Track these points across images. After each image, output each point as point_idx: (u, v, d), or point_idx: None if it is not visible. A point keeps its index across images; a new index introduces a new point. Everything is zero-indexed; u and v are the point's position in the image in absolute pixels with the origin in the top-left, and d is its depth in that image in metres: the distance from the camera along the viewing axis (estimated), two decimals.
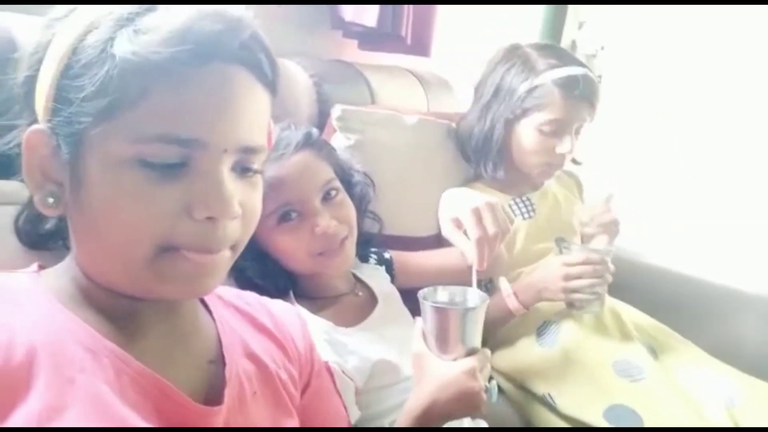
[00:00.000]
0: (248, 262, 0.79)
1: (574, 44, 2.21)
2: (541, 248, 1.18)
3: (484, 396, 0.69)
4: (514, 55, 1.14)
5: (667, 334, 1.14)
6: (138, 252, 0.41)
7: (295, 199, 0.79)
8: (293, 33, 1.29)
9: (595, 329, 1.10)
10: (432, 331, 0.71)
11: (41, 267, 0.47)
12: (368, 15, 1.21)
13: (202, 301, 0.54)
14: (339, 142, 1.02)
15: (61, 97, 0.41)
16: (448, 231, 0.84)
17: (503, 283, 1.06)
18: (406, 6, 1.25)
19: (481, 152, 1.16)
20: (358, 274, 0.93)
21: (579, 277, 0.98)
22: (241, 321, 0.55)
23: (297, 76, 1.13)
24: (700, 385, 1.01)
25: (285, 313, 0.61)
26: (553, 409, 0.99)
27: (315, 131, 0.87)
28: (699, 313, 1.32)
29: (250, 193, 0.46)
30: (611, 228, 1.13)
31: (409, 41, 1.32)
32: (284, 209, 0.78)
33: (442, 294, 0.75)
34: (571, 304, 1.01)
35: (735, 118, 2.14)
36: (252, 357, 0.53)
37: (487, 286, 1.17)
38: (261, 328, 0.57)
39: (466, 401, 0.67)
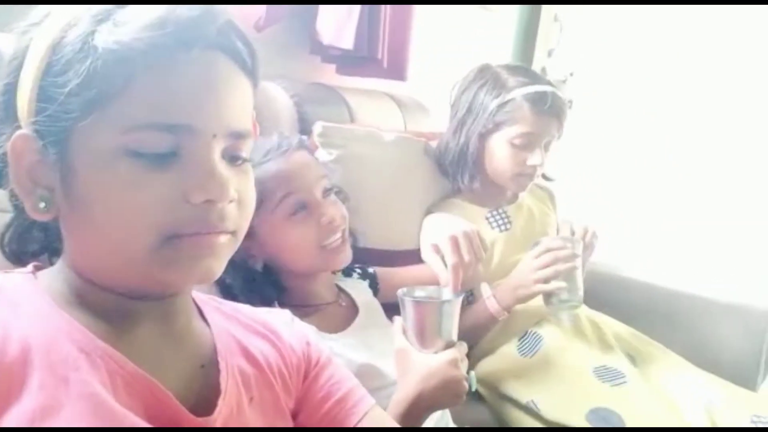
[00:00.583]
0: (233, 279, 0.80)
1: (544, 70, 2.29)
2: (517, 260, 1.20)
3: (466, 385, 0.73)
4: (486, 73, 1.20)
5: (646, 342, 1.17)
6: (142, 242, 0.41)
7: (301, 190, 0.82)
8: (274, 57, 1.32)
9: (575, 337, 1.12)
10: (412, 326, 0.75)
11: (36, 268, 0.47)
12: (345, 38, 1.25)
13: (198, 308, 0.54)
14: (320, 156, 1.05)
15: (44, 96, 0.41)
16: (426, 255, 0.88)
17: (483, 287, 1.08)
18: (381, 29, 1.30)
19: (457, 165, 1.20)
20: (342, 285, 0.95)
21: (547, 265, 1.01)
22: (236, 326, 0.55)
23: (278, 97, 1.16)
24: (680, 390, 1.04)
25: (277, 316, 0.62)
26: (536, 415, 1.00)
27: (306, 138, 0.92)
28: (673, 322, 1.35)
29: (243, 180, 0.46)
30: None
31: (385, 64, 1.37)
32: (293, 198, 0.81)
33: (420, 292, 0.79)
34: (548, 300, 1.03)
35: (702, 132, 2.23)
36: (250, 358, 0.53)
37: (468, 296, 1.19)
38: (256, 332, 0.56)
39: (450, 389, 0.71)
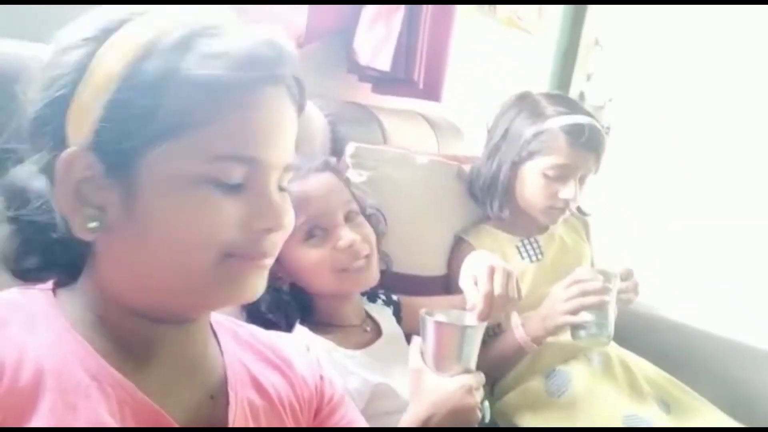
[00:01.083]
0: (260, 297, 0.80)
1: (582, 95, 2.26)
2: (548, 292, 1.18)
3: (479, 414, 0.72)
4: (524, 101, 1.18)
5: (680, 389, 1.12)
6: (203, 258, 0.43)
7: (320, 214, 0.82)
8: (310, 75, 1.32)
9: (605, 379, 1.08)
10: (431, 347, 0.73)
11: (56, 285, 0.47)
12: (382, 59, 1.25)
13: (213, 331, 0.54)
14: (352, 177, 1.04)
15: (112, 116, 0.41)
16: (464, 284, 0.86)
17: (513, 317, 1.05)
18: (419, 50, 1.30)
19: (487, 192, 1.18)
20: (369, 311, 0.94)
21: (575, 296, 0.96)
22: (250, 354, 0.55)
23: (313, 115, 1.16)
24: None
25: (292, 344, 0.61)
26: None
27: (333, 159, 0.91)
28: (708, 367, 1.29)
29: (288, 208, 0.49)
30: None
31: (421, 86, 1.36)
32: (309, 225, 0.81)
33: (441, 315, 0.77)
34: (575, 333, 0.98)
35: (745, 166, 2.15)
36: (261, 391, 0.53)
37: (495, 327, 1.17)
38: (269, 362, 0.56)
39: (461, 417, 0.69)
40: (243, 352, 0.54)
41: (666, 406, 1.04)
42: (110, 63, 0.41)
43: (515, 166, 1.15)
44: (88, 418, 0.39)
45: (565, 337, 1.03)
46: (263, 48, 0.44)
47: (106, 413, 0.39)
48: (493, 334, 1.16)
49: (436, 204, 1.17)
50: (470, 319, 0.78)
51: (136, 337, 0.45)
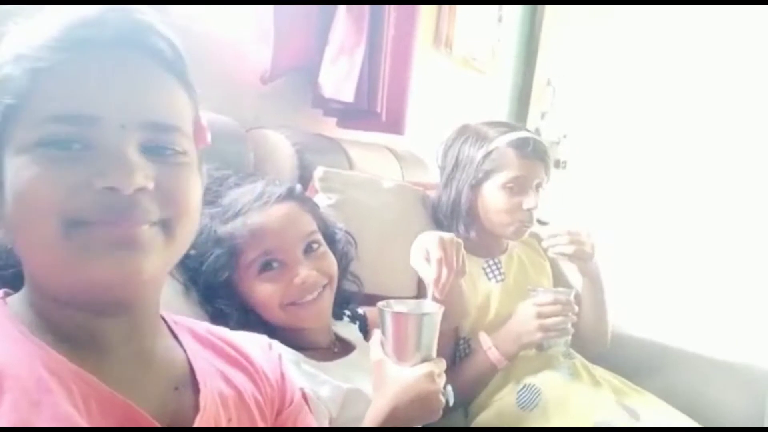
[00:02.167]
0: (231, 311, 0.80)
1: (537, 131, 2.37)
2: (513, 310, 1.20)
3: (443, 399, 0.72)
4: (466, 130, 1.25)
5: (645, 396, 1.15)
6: (47, 229, 0.41)
7: (278, 248, 0.80)
8: (278, 109, 1.37)
9: (574, 386, 1.10)
10: (390, 338, 0.73)
11: (6, 294, 0.47)
12: (346, 91, 1.30)
13: (170, 329, 0.54)
14: (320, 201, 1.06)
15: None
16: (415, 261, 0.88)
17: (483, 337, 1.07)
18: (381, 82, 1.35)
19: (451, 217, 1.23)
20: (338, 332, 0.93)
21: (551, 315, 1.03)
22: (210, 352, 0.55)
23: (280, 144, 1.19)
24: None
25: (254, 344, 0.61)
26: None
27: (298, 186, 0.90)
28: (673, 381, 1.32)
29: (171, 172, 0.45)
30: (582, 254, 1.16)
31: (384, 118, 1.41)
32: (266, 258, 0.80)
33: (399, 306, 0.78)
34: (540, 346, 1.06)
35: (696, 190, 2.27)
36: (227, 381, 0.53)
37: (466, 348, 1.18)
38: (231, 360, 0.56)
39: (426, 404, 0.69)
40: (203, 350, 0.54)
41: (634, 412, 1.06)
42: None
43: (474, 189, 1.20)
44: (53, 413, 0.38)
45: (528, 351, 1.09)
46: (89, 11, 0.43)
47: (70, 406, 0.39)
48: (464, 354, 1.17)
49: (403, 226, 1.19)
50: (428, 306, 0.78)
51: (83, 333, 0.45)
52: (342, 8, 1.32)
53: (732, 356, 1.34)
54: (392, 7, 1.39)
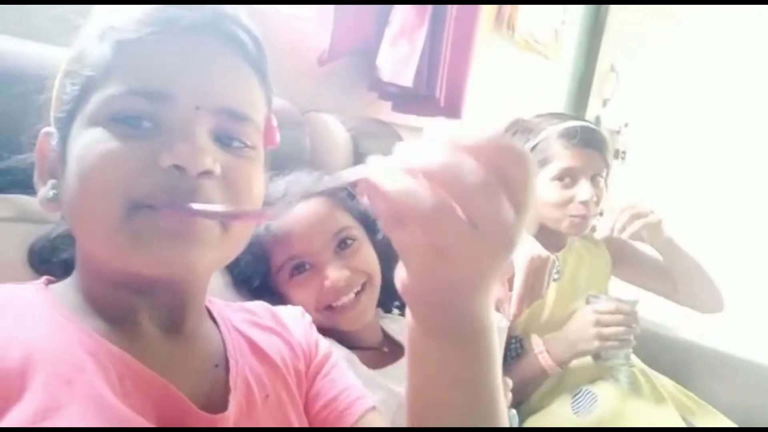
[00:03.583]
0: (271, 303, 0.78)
1: (598, 120, 2.26)
2: (569, 312, 1.15)
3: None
4: (515, 125, 1.20)
5: (700, 405, 1.12)
6: (111, 210, 0.40)
7: (305, 251, 0.77)
8: (334, 92, 1.34)
9: (633, 399, 1.05)
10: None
11: (50, 281, 0.47)
12: (405, 75, 1.25)
13: (207, 310, 0.53)
14: None
15: (62, 90, 0.45)
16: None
17: (535, 340, 1.03)
18: (441, 67, 1.30)
19: None
20: (387, 330, 0.90)
21: (610, 324, 0.98)
22: (247, 324, 0.55)
23: (335, 129, 1.16)
24: None
25: (288, 312, 0.61)
26: None
27: (326, 178, 0.86)
28: (725, 384, 1.28)
29: (239, 164, 0.44)
30: (649, 226, 1.13)
31: (442, 103, 1.36)
32: (295, 262, 0.78)
33: None
34: (597, 356, 1.00)
35: (757, 187, 2.14)
36: (262, 356, 0.52)
37: (517, 348, 1.14)
38: (266, 328, 0.56)
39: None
40: (240, 323, 0.54)
41: (689, 423, 1.01)
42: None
43: None
44: (85, 392, 0.37)
45: (587, 358, 1.03)
46: (175, 8, 0.43)
47: (105, 386, 0.38)
48: (515, 354, 1.13)
49: None
50: (499, 321, 0.74)
51: (124, 311, 0.44)
52: None
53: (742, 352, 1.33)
54: None
